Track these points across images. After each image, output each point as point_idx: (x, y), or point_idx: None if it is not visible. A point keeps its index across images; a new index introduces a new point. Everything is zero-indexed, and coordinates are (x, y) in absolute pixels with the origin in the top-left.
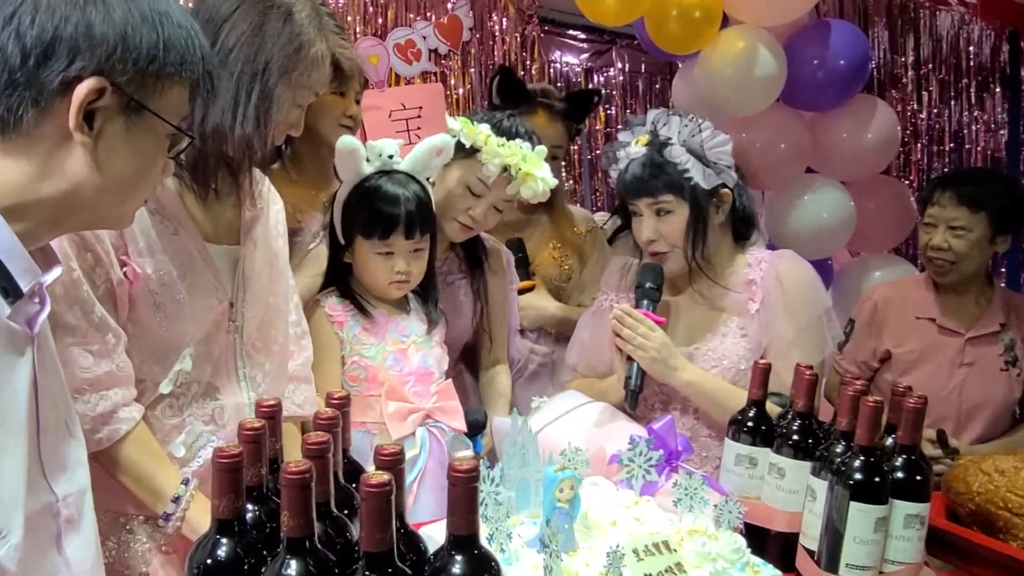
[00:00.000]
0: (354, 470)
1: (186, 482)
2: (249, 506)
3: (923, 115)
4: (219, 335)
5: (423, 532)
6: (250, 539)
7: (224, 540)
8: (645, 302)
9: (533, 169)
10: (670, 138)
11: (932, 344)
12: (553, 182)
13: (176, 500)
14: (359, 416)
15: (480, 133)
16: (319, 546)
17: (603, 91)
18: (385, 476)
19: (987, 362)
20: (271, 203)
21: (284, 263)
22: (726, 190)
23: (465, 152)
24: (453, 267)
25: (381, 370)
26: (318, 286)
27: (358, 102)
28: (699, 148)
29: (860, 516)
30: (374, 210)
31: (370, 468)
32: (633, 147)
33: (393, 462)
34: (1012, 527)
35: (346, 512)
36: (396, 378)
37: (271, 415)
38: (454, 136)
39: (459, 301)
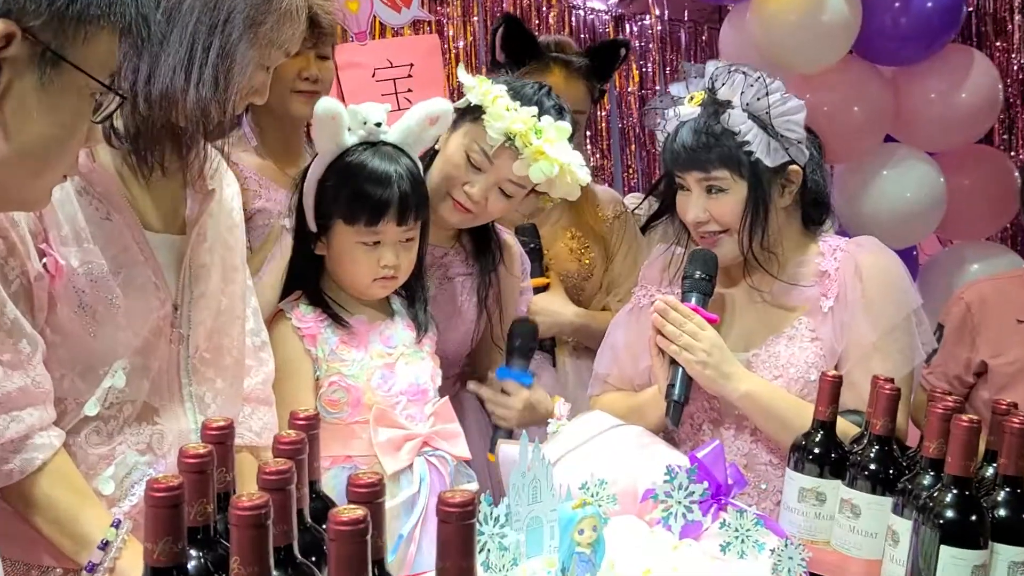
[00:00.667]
0: (324, 508)
1: (117, 524)
2: (192, 551)
3: None
4: (159, 345)
5: None
6: None
7: None
8: (694, 295)
9: (548, 148)
10: (730, 100)
11: None
12: (585, 175)
13: (104, 547)
14: (342, 448)
15: (489, 91)
16: None
17: (634, 44)
18: (359, 511)
19: None
20: (224, 185)
21: (240, 259)
22: (795, 167)
23: (473, 114)
24: (457, 259)
25: (367, 391)
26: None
27: (323, 58)
28: (765, 115)
29: (953, 564)
30: (360, 190)
31: None
32: (686, 106)
33: (371, 495)
34: None
35: (314, 560)
36: (384, 399)
37: (220, 439)
38: (469, 91)
39: (459, 302)
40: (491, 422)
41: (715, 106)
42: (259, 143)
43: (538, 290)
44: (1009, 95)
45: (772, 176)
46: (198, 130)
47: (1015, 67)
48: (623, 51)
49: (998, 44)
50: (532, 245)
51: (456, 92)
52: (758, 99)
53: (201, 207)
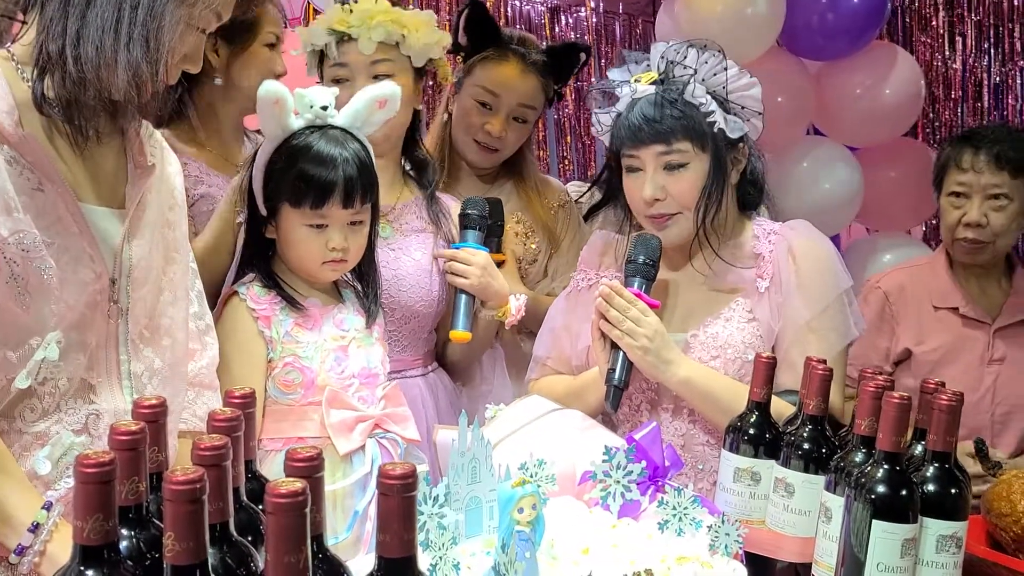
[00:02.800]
0: (260, 488)
1: (48, 507)
2: (123, 531)
3: (956, 65)
4: (96, 319)
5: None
6: (124, 572)
7: (90, 572)
8: (637, 280)
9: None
10: (692, 72)
11: (957, 339)
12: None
13: (35, 529)
14: (294, 431)
15: (320, 26)
16: None
17: (568, 35)
18: (298, 483)
19: (1020, 356)
20: (166, 163)
21: (182, 238)
22: (743, 145)
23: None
24: (409, 216)
25: (320, 372)
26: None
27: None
28: (722, 90)
29: (885, 538)
30: (304, 173)
31: None
32: (638, 85)
33: (309, 469)
34: None
35: (250, 539)
36: (337, 381)
37: (153, 418)
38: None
39: (415, 260)
40: (456, 290)
41: (674, 79)
42: (202, 128)
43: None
44: (933, 91)
45: (730, 149)
46: (132, 102)
47: (938, 63)
48: (583, 56)
49: (923, 40)
50: (494, 221)
51: None
52: (715, 74)
53: (141, 182)
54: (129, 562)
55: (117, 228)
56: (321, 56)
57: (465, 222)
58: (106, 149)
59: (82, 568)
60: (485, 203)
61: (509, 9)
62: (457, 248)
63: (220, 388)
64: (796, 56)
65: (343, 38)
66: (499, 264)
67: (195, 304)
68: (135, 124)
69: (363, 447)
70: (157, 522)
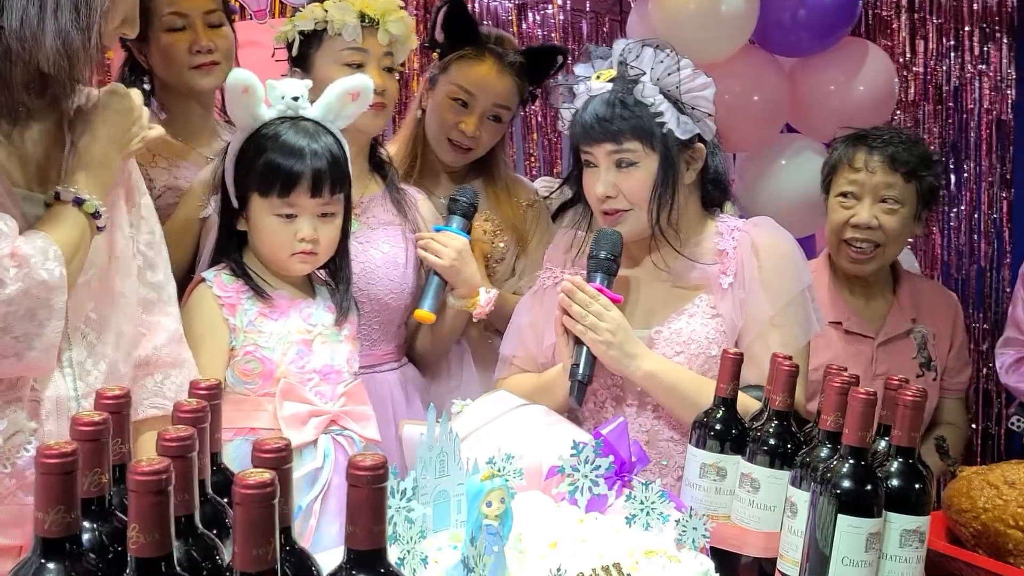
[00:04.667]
0: (226, 481)
1: None
2: (85, 523)
3: (917, 68)
4: None
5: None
6: (87, 565)
7: (52, 565)
8: (599, 275)
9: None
10: (643, 72)
11: (840, 355)
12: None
13: None
14: (247, 420)
15: (317, 8)
16: (178, 570)
17: (535, 32)
18: (267, 474)
19: (902, 370)
20: None
21: (128, 223)
22: (700, 145)
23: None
24: (376, 209)
25: (280, 364)
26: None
27: (213, 26)
28: (675, 90)
29: (850, 532)
30: (271, 162)
31: None
32: (595, 82)
33: (277, 460)
34: None
35: (215, 532)
36: (296, 375)
37: (116, 409)
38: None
39: (384, 253)
40: (428, 271)
41: (627, 79)
42: (168, 123)
43: None
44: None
45: (681, 150)
46: (65, 73)
47: (899, 66)
48: (560, 59)
49: (884, 43)
50: (470, 205)
51: None
52: (669, 74)
53: None
54: (91, 555)
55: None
56: (310, 40)
57: (453, 207)
58: (39, 128)
59: (43, 561)
60: (476, 194)
61: (476, 5)
62: (438, 230)
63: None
64: (770, 53)
65: (369, 23)
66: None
67: (160, 272)
68: (74, 99)
69: (315, 442)
70: (120, 515)
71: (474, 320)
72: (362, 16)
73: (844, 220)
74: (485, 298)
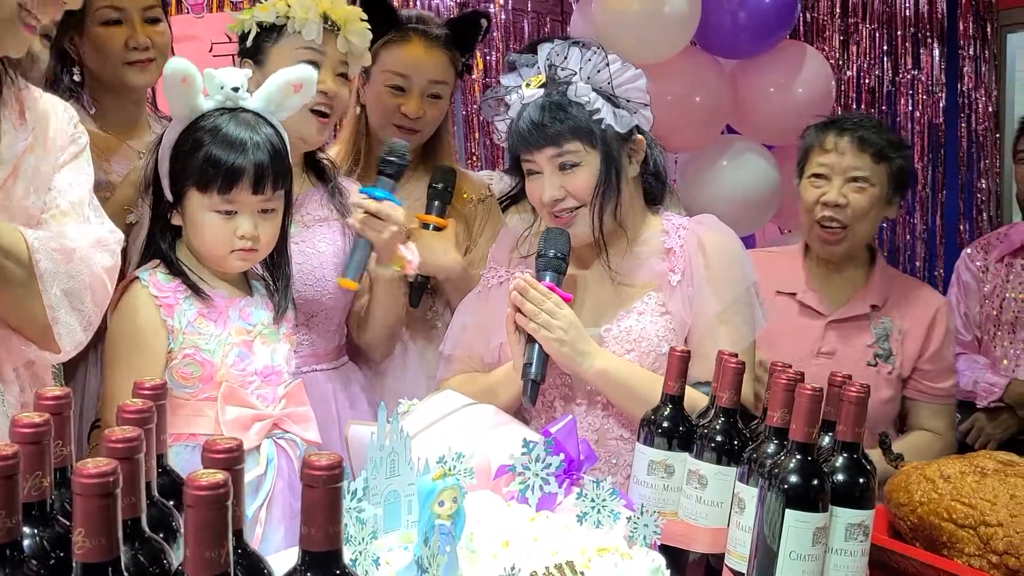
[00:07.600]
0: (172, 484)
1: None
2: (26, 529)
3: (850, 72)
4: None
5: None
6: (28, 571)
7: None
8: (549, 274)
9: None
10: (574, 72)
11: (789, 326)
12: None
13: None
14: (186, 426)
15: (279, 1)
16: (125, 575)
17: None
18: (219, 475)
19: (851, 353)
20: (51, 128)
21: (65, 203)
22: (640, 136)
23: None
24: (311, 205)
25: (221, 367)
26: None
27: (151, 22)
28: (607, 85)
29: (797, 527)
30: (212, 156)
31: None
32: (526, 90)
33: (229, 461)
34: (956, 541)
35: (162, 536)
36: (238, 378)
37: (58, 410)
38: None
39: (320, 252)
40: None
41: (558, 81)
42: (98, 116)
43: (435, 230)
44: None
45: (622, 143)
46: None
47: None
48: (483, 22)
49: (818, 47)
50: (442, 187)
51: None
52: (598, 71)
53: (17, 143)
54: (33, 561)
55: None
56: (268, 33)
57: (386, 168)
58: None
59: None
60: (406, 146)
61: (418, 4)
62: (379, 199)
63: (117, 381)
64: (711, 55)
65: (331, 26)
66: (440, 230)
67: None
68: (7, 76)
69: (258, 447)
70: (62, 519)
71: (409, 279)
72: (325, 18)
73: (815, 199)
74: (408, 255)
